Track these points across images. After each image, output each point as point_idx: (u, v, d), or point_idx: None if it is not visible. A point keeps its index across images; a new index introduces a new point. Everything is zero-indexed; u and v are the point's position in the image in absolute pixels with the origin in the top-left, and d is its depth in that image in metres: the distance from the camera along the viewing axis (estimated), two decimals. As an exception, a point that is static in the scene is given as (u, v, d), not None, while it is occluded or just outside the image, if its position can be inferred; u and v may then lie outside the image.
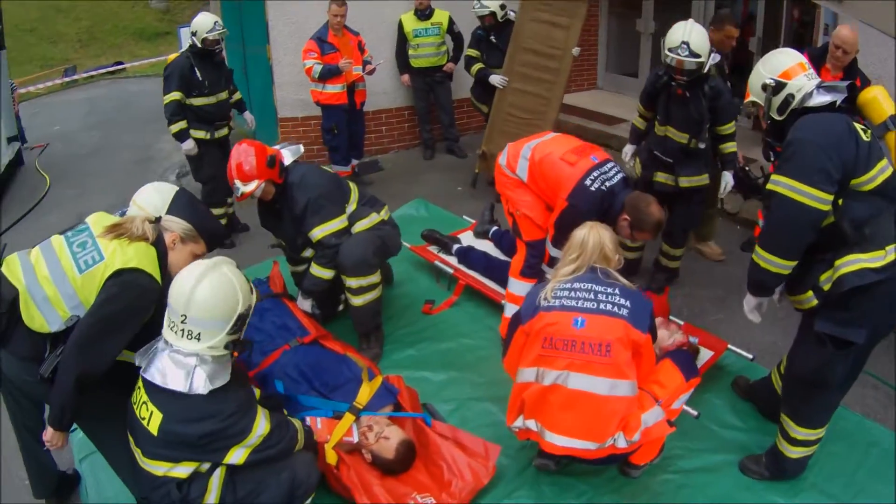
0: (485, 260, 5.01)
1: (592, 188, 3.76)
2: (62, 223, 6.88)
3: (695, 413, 3.41)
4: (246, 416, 2.63)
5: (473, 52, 7.26)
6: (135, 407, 2.62)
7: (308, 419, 3.27)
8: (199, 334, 2.50)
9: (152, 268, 2.74)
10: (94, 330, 2.62)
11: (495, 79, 6.85)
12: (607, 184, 3.79)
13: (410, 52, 7.92)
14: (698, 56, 4.32)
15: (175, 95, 5.82)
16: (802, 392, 3.02)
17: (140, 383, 2.63)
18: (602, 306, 2.89)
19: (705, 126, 4.65)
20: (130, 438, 2.67)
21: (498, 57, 6.99)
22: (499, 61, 6.96)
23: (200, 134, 5.97)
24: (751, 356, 4.01)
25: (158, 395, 2.53)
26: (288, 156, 4.23)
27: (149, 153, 9.22)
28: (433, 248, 5.42)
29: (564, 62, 6.68)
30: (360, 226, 4.23)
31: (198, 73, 5.84)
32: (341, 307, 4.76)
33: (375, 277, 4.19)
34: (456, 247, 5.26)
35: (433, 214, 6.43)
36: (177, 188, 3.14)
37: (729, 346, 4.05)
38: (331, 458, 3.16)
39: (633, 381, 2.88)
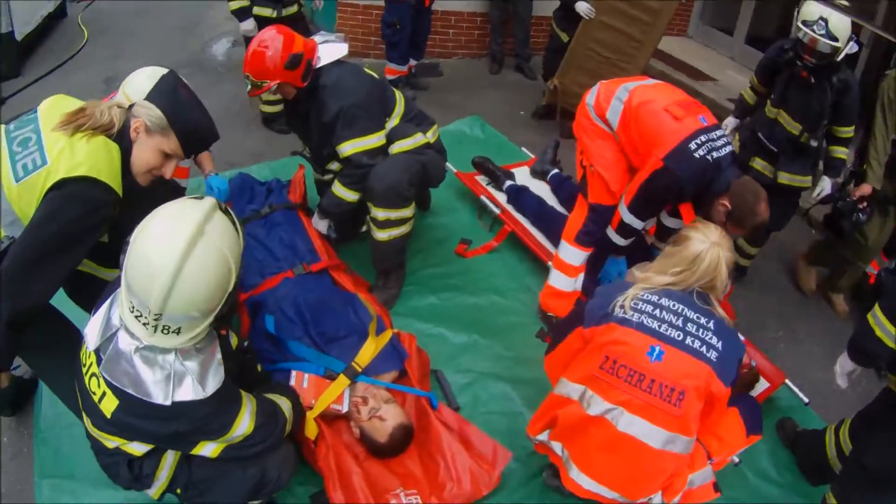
0: (538, 206, 4.34)
1: (696, 154, 3.04)
2: (88, 82, 6.41)
3: (736, 461, 2.79)
4: (226, 413, 2.07)
5: None
6: (83, 371, 2.04)
7: (294, 374, 2.75)
8: (178, 329, 1.87)
9: (109, 172, 2.16)
10: (28, 256, 2.07)
11: (581, 6, 5.83)
12: (714, 154, 3.07)
13: None
14: (835, 39, 3.55)
15: None
16: (866, 485, 2.56)
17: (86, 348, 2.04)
18: (689, 340, 2.24)
19: (823, 122, 3.91)
20: (79, 398, 2.13)
21: None
22: None
23: (266, 12, 5.28)
24: (806, 400, 3.43)
25: None
26: (327, 54, 3.54)
27: (196, 19, 8.43)
28: (482, 179, 4.76)
29: (668, 3, 5.78)
30: (400, 146, 3.58)
31: None
32: (364, 228, 4.17)
33: (407, 211, 3.57)
34: (508, 183, 4.60)
35: (489, 137, 5.74)
36: (167, 71, 2.51)
37: (786, 380, 3.45)
38: (310, 430, 2.63)
39: (693, 437, 2.28)
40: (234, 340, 2.48)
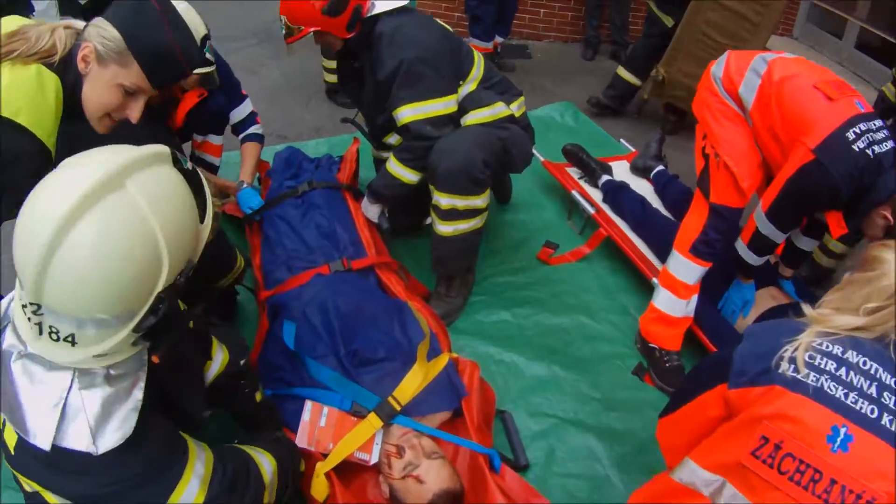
0: (640, 209, 3.51)
1: (856, 146, 2.25)
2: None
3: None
4: (160, 477, 1.40)
5: None
6: None
7: (309, 406, 2.04)
8: (71, 336, 1.21)
9: (33, 112, 1.63)
10: None
11: None
12: (875, 149, 2.27)
13: None
14: None
15: None
16: None
17: None
18: (886, 419, 1.39)
19: None
20: None
21: None
22: None
23: None
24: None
25: None
26: (380, 4, 2.87)
27: None
28: (573, 172, 3.96)
29: None
30: (476, 116, 2.84)
31: None
32: (428, 220, 3.43)
33: (479, 200, 2.79)
34: (605, 178, 3.80)
35: (582, 126, 4.95)
36: None
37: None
38: (319, 489, 1.90)
39: None
40: (223, 356, 1.78)
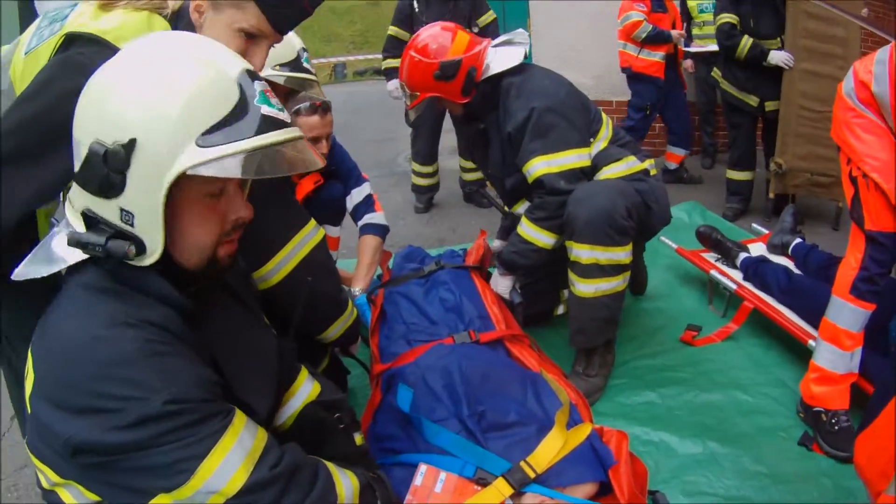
0: (786, 278, 3.17)
1: None
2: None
3: None
4: (188, 429, 1.13)
5: (730, 17, 4.68)
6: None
7: (423, 469, 1.78)
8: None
9: None
10: None
11: (778, 56, 4.55)
12: None
13: (694, 31, 6.22)
14: None
15: (391, 30, 5.06)
16: None
17: None
18: None
19: None
20: None
21: (769, 22, 4.61)
22: (771, 29, 4.63)
23: None
24: None
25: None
26: (500, 59, 2.80)
27: (389, 136, 8.58)
28: (710, 256, 3.69)
29: (851, 28, 4.56)
30: (610, 171, 2.73)
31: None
32: (561, 310, 3.22)
33: (623, 253, 2.58)
34: (743, 256, 3.51)
35: (710, 223, 4.64)
36: None
37: None
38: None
39: None
40: (312, 386, 1.64)
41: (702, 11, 6.13)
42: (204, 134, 1.12)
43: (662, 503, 2.09)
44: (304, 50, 2.38)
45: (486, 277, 3.01)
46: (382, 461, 1.89)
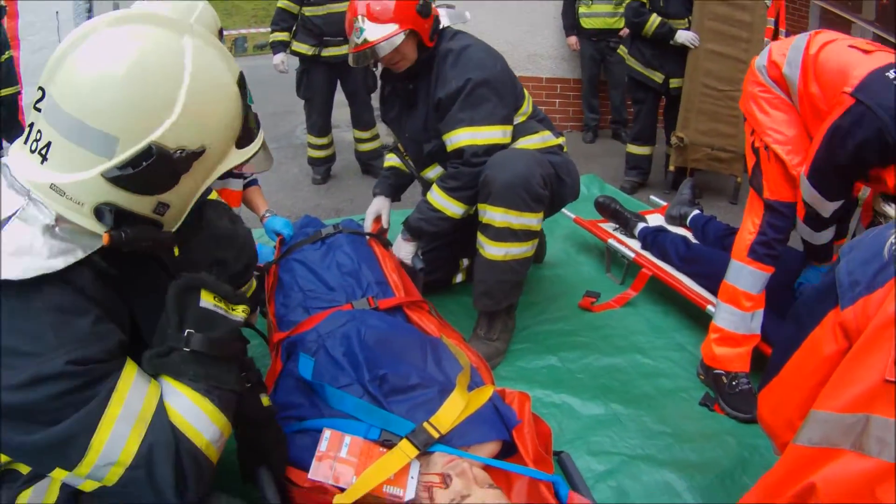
0: (684, 246, 3.24)
1: None
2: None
3: None
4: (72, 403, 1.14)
5: None
6: None
7: (327, 434, 1.68)
8: (46, 148, 1.16)
9: None
10: None
11: (685, 35, 4.69)
12: None
13: (581, 8, 6.39)
14: None
15: (281, 3, 4.93)
16: None
17: None
18: None
19: None
20: None
21: (679, 2, 4.75)
22: (679, 10, 4.77)
23: (303, 48, 4.90)
24: None
25: None
26: (447, 18, 2.80)
27: (289, 109, 8.34)
28: (608, 226, 3.73)
29: (757, 13, 4.81)
30: (525, 143, 2.71)
31: None
32: (460, 278, 3.19)
33: (535, 220, 2.58)
34: (641, 226, 3.56)
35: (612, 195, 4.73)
36: None
37: None
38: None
39: None
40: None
41: None
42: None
43: (568, 463, 2.06)
44: (222, 30, 2.50)
45: (386, 246, 2.92)
46: (287, 429, 1.78)
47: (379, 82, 3.06)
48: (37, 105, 1.17)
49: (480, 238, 2.62)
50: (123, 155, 1.14)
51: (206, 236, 1.41)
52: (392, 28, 2.56)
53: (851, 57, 2.16)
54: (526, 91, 2.90)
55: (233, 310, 1.39)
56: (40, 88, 1.16)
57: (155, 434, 1.19)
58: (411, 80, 2.80)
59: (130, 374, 1.21)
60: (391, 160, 3.26)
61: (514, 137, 2.72)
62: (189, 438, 1.24)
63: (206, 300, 1.33)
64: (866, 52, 2.16)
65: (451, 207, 2.69)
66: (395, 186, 3.24)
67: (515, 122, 2.75)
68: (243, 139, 1.37)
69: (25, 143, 1.19)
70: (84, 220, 1.18)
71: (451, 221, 2.72)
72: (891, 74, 2.01)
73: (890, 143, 1.97)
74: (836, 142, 2.09)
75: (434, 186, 2.74)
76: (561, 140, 2.89)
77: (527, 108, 2.83)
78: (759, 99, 2.45)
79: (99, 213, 1.17)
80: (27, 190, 1.17)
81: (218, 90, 1.28)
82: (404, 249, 2.84)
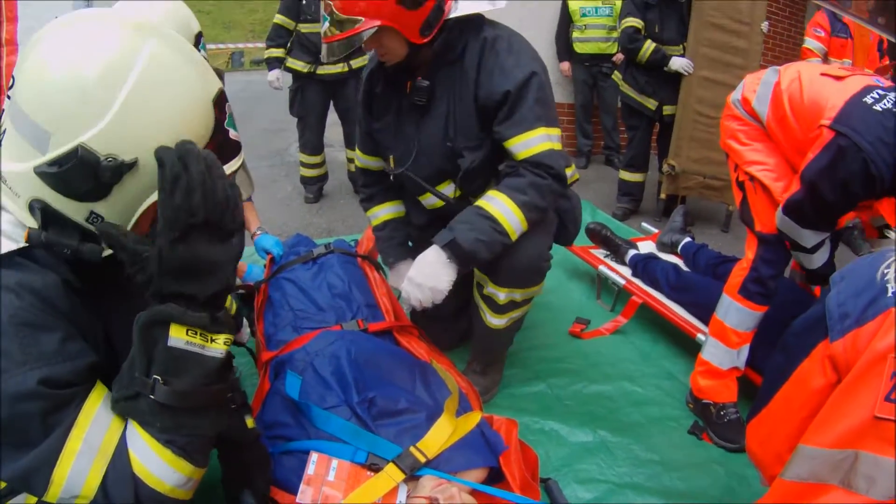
0: (675, 274, 3.24)
1: (878, 108, 1.97)
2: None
3: None
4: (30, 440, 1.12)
5: (635, 22, 4.73)
6: None
7: (314, 458, 1.68)
8: (2, 134, 1.19)
9: None
10: None
11: (679, 62, 4.69)
12: None
13: (575, 33, 6.45)
14: None
15: (277, 18, 4.93)
16: None
17: None
18: None
19: None
20: None
21: (674, 29, 4.74)
22: (674, 36, 4.75)
23: (298, 65, 4.92)
24: None
25: None
26: (472, 3, 2.21)
27: (283, 126, 8.34)
28: (599, 253, 3.73)
29: (753, 41, 4.82)
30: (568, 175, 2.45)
31: None
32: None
33: (539, 287, 2.43)
34: (632, 253, 3.56)
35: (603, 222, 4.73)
36: None
37: None
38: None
39: None
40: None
41: (584, 15, 6.33)
42: None
43: (555, 490, 2.06)
44: (201, 34, 2.31)
45: (377, 268, 2.90)
46: (272, 450, 1.77)
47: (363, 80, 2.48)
48: (8, 93, 1.17)
49: (483, 307, 2.43)
50: (54, 152, 1.12)
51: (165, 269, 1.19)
52: (359, 22, 2.02)
53: (825, 87, 2.14)
54: None
55: (212, 341, 1.22)
56: (12, 77, 1.16)
57: (116, 471, 1.15)
58: (427, 75, 2.25)
59: (94, 404, 1.17)
60: (379, 214, 2.71)
61: None
62: (149, 486, 1.18)
63: (177, 336, 1.18)
64: (838, 77, 2.14)
65: (518, 228, 2.12)
66: (405, 245, 2.71)
67: None
68: None
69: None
70: (20, 213, 1.17)
71: (507, 242, 2.15)
72: (869, 100, 1.99)
73: (875, 174, 1.93)
74: (820, 181, 2.04)
75: (501, 196, 2.11)
76: (571, 169, 2.45)
77: None
78: (736, 133, 2.46)
79: (31, 208, 1.16)
80: None
81: (173, 102, 1.18)
82: (445, 276, 2.09)
